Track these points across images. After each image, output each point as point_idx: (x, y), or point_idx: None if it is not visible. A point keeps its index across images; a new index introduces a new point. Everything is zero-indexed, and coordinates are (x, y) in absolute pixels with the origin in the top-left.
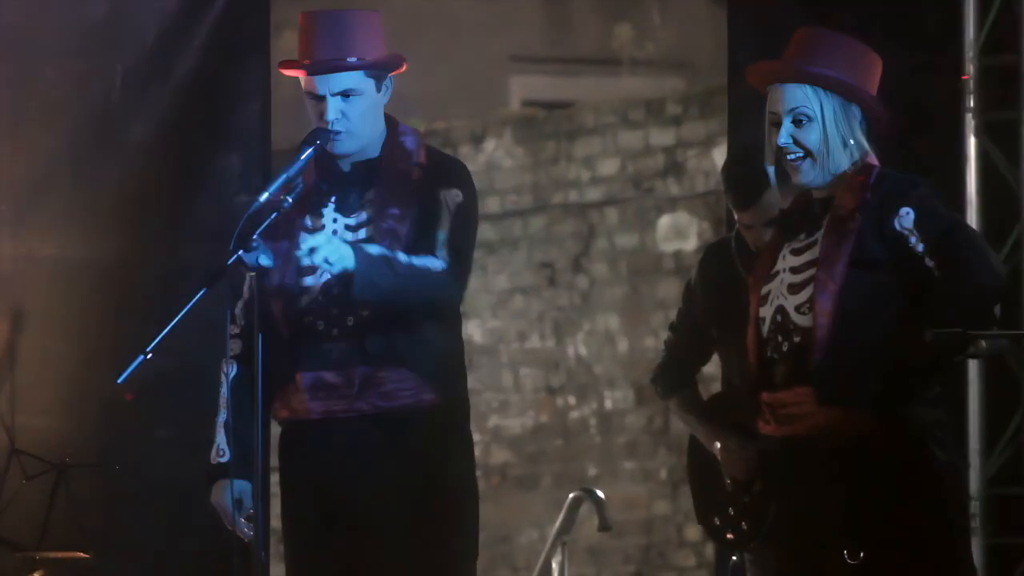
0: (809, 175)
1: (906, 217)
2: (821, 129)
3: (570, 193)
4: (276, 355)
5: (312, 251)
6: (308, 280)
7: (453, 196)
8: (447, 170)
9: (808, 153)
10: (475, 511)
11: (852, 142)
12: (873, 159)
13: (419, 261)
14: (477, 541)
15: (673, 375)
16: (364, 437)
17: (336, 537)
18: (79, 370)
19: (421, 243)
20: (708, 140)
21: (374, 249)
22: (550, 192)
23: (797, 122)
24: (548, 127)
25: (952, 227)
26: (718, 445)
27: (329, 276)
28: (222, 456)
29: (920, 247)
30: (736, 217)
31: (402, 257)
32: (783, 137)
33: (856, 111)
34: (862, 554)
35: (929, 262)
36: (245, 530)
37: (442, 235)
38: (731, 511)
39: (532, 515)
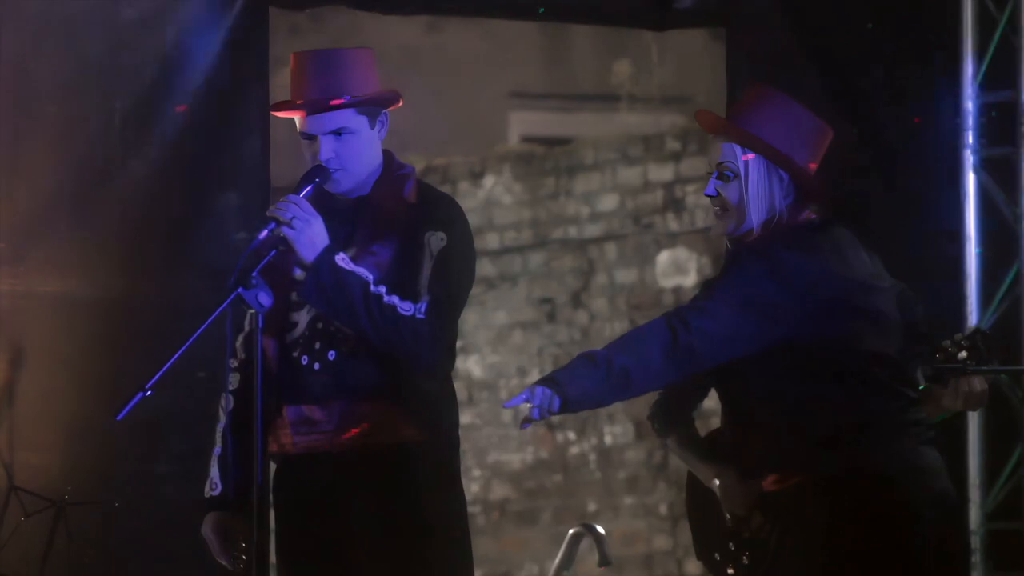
0: (729, 226)
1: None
2: (741, 187)
3: (569, 229)
4: (269, 389)
5: (291, 220)
6: (296, 315)
7: (437, 240)
8: (434, 210)
9: (727, 208)
10: (466, 547)
11: (776, 202)
12: (807, 214)
13: (390, 299)
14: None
15: (671, 411)
16: (346, 472)
17: (326, 572)
18: (78, 407)
19: (398, 287)
20: (707, 176)
21: (349, 265)
22: (549, 228)
23: (723, 176)
24: (547, 163)
25: (718, 285)
26: (717, 481)
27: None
28: (215, 489)
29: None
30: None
31: (381, 289)
32: (709, 188)
33: (783, 174)
34: None
35: None
36: (233, 562)
37: (422, 282)
38: (731, 546)
39: (532, 550)
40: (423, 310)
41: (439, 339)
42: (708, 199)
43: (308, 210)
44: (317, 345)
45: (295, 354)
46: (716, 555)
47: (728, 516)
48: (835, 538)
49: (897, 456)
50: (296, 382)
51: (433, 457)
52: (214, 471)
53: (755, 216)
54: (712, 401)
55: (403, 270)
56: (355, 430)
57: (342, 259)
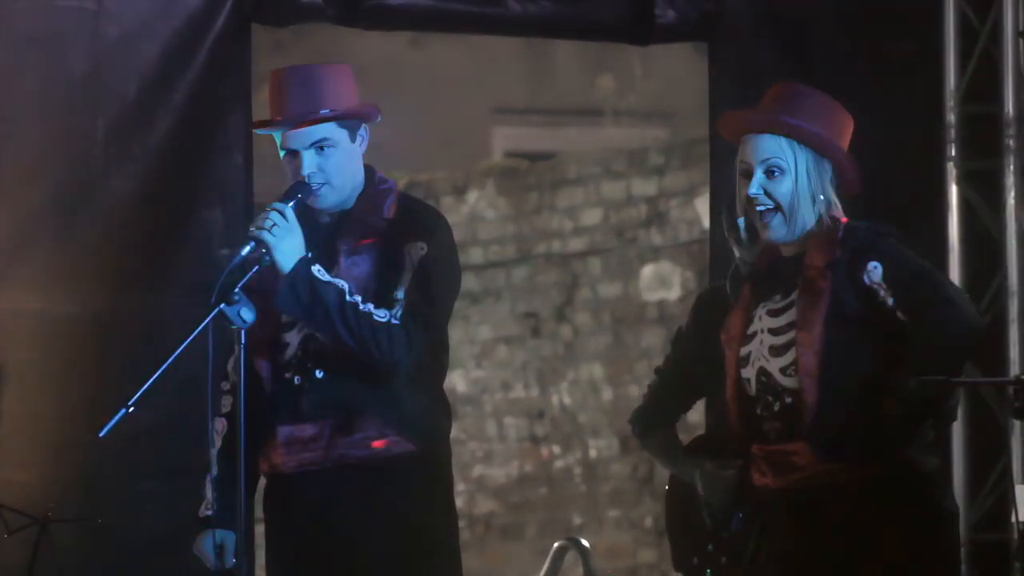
0: (779, 231)
1: (874, 271)
2: (793, 182)
3: (553, 243)
4: (261, 411)
5: (271, 227)
6: (287, 336)
7: (417, 250)
8: (415, 222)
9: (778, 206)
10: (457, 560)
11: (821, 197)
12: (839, 213)
13: (366, 307)
14: None
15: (653, 417)
16: (337, 489)
17: None
18: (61, 423)
19: (379, 298)
20: (690, 190)
21: (325, 276)
22: (533, 242)
23: (769, 173)
24: (531, 178)
25: (919, 278)
26: (697, 472)
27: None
28: (209, 509)
29: (890, 301)
30: (738, 255)
31: (357, 298)
32: (754, 187)
33: (828, 166)
34: None
35: (901, 315)
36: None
37: (399, 292)
38: (711, 547)
39: (517, 564)
40: (398, 315)
41: (415, 343)
42: (754, 199)
43: (291, 219)
44: (309, 365)
45: (287, 375)
46: (695, 559)
47: (708, 518)
48: (846, 550)
49: (915, 465)
50: (288, 402)
51: (425, 471)
52: (209, 493)
53: (807, 214)
54: (697, 414)
55: (383, 281)
56: (345, 445)
57: (318, 270)
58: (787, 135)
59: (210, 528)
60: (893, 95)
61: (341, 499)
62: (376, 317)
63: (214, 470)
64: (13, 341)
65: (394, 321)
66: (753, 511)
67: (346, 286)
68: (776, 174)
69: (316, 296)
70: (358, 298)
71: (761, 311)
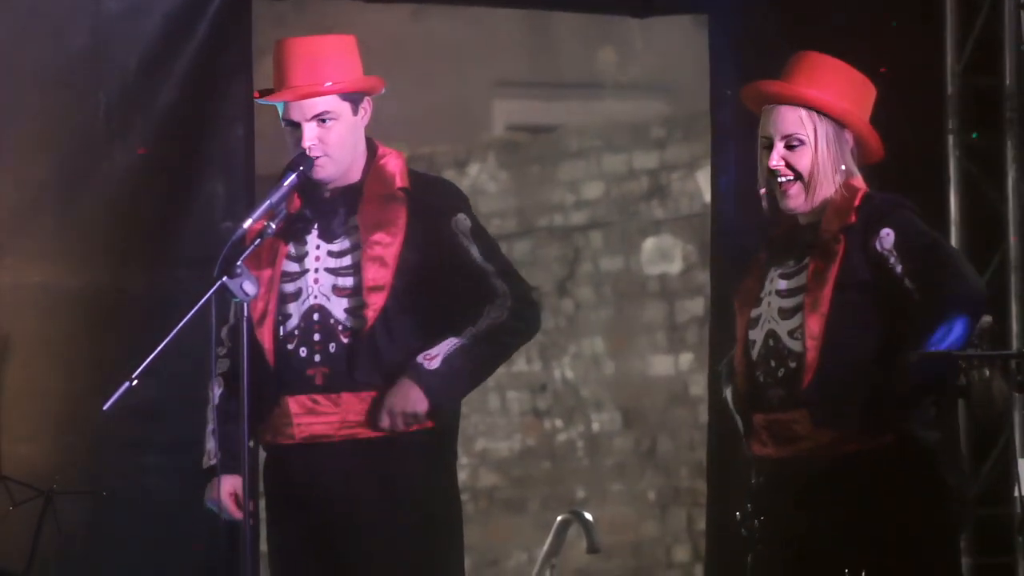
0: (797, 200)
1: (886, 238)
2: (813, 153)
3: (555, 217)
4: (262, 381)
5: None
6: (290, 307)
7: (463, 221)
8: (439, 194)
9: (798, 176)
10: (459, 535)
11: (842, 167)
12: (859, 182)
13: (484, 324)
14: (463, 565)
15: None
16: (347, 462)
17: (320, 561)
18: (66, 397)
19: (451, 273)
20: (692, 163)
21: (434, 364)
22: (535, 216)
23: (790, 146)
24: (532, 151)
25: (930, 248)
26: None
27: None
28: (213, 459)
29: (899, 268)
30: None
31: (469, 334)
32: (775, 159)
33: (848, 136)
34: (863, 573)
35: (908, 284)
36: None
37: (486, 265)
38: (749, 507)
39: (520, 538)
40: (507, 294)
41: (528, 294)
42: (775, 170)
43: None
44: (316, 337)
45: (291, 346)
46: (738, 513)
47: (754, 480)
48: (845, 521)
49: (919, 439)
50: (297, 374)
51: (434, 446)
52: (210, 444)
53: (827, 184)
54: (699, 388)
55: (450, 258)
56: (359, 420)
57: (429, 362)
58: (807, 106)
59: (217, 476)
60: (893, 67)
61: (347, 473)
62: (492, 320)
63: (212, 424)
64: (17, 314)
65: (507, 308)
66: (754, 482)
67: (452, 343)
68: (796, 146)
69: (456, 379)
70: (469, 334)
71: (774, 274)
